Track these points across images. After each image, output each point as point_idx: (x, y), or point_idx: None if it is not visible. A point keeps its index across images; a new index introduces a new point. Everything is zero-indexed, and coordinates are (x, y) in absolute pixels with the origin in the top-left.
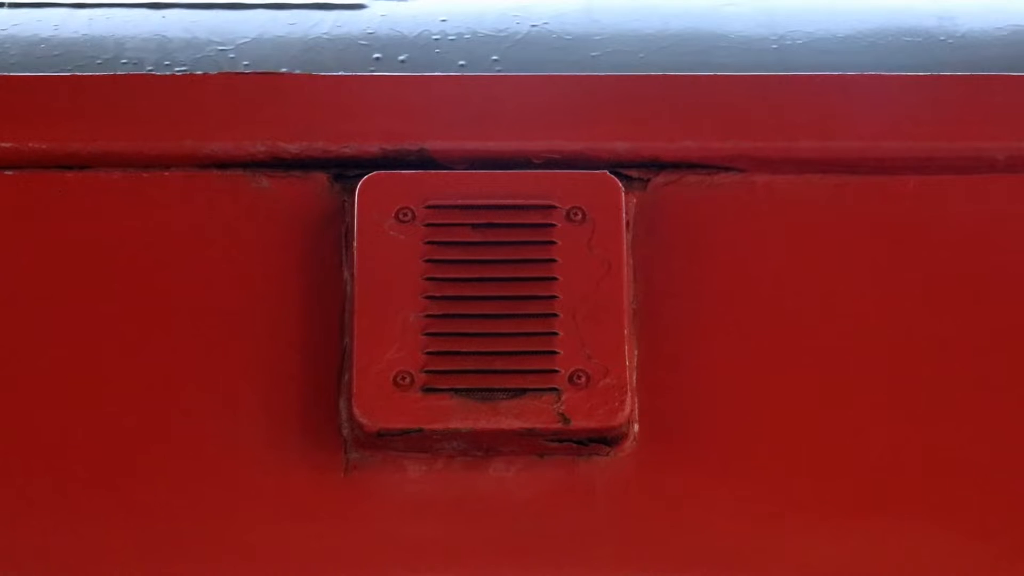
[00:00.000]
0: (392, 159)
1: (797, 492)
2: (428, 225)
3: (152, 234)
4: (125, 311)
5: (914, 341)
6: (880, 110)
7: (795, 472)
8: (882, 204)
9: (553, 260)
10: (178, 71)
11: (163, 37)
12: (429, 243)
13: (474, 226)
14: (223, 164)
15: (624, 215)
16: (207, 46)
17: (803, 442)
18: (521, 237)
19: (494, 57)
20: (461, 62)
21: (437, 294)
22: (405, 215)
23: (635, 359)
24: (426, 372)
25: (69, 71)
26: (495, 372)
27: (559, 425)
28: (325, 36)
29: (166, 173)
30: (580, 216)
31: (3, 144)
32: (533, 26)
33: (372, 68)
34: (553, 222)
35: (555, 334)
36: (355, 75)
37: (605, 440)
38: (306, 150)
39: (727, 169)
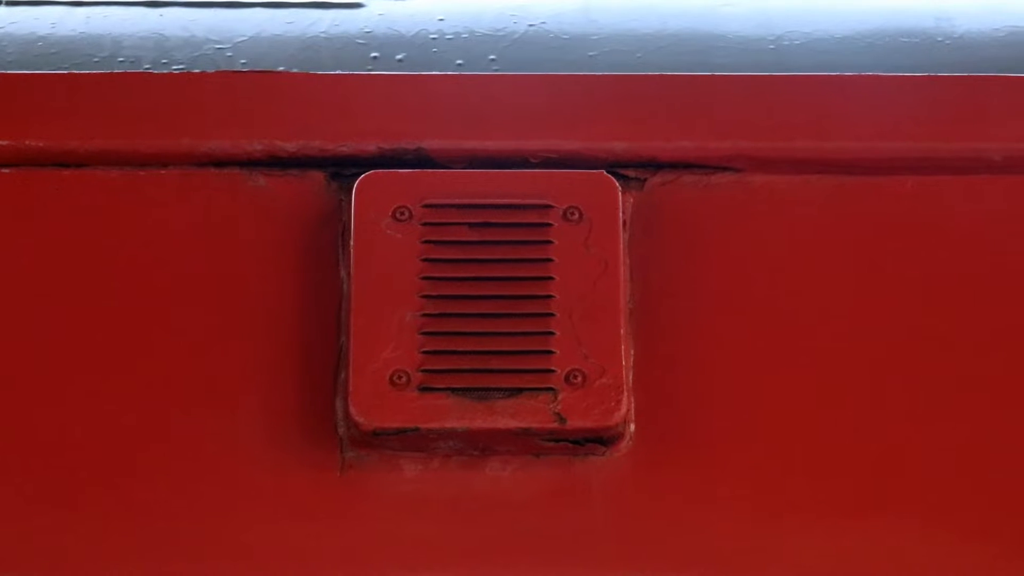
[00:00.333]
0: (389, 158)
1: (793, 492)
2: (425, 224)
3: (149, 232)
4: (122, 309)
5: (911, 341)
6: (877, 111)
7: (791, 472)
8: (879, 204)
9: (550, 259)
10: (175, 69)
11: (161, 35)
12: (426, 242)
13: (471, 225)
14: (220, 163)
15: (621, 215)
16: (205, 44)
17: (799, 442)
18: (518, 236)
19: (491, 56)
20: (459, 61)
21: (434, 293)
22: (402, 214)
23: (631, 359)
24: (422, 371)
25: (66, 69)
26: (491, 371)
27: (555, 425)
28: (323, 35)
29: (163, 171)
30: (577, 215)
31: (0, 142)
32: (531, 26)
33: (369, 67)
34: (550, 221)
35: (551, 333)
36: (352, 74)
37: (601, 440)
38: (303, 149)
39: (724, 169)
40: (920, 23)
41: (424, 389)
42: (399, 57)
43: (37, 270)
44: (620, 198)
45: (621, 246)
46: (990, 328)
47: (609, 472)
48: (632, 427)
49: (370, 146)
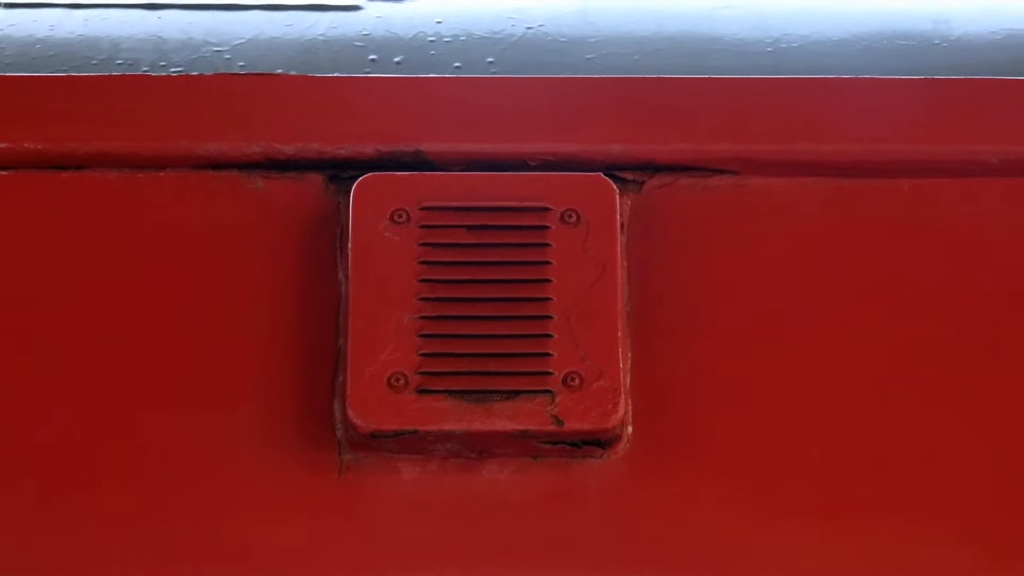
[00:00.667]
0: (387, 160)
1: (791, 494)
2: (423, 227)
3: (147, 235)
4: (120, 312)
5: (908, 344)
6: (875, 113)
7: (789, 474)
8: (876, 207)
9: (547, 262)
10: (174, 72)
11: (159, 38)
12: (424, 245)
13: (469, 228)
14: (219, 165)
15: (619, 217)
16: (203, 47)
17: (796, 444)
18: (516, 239)
19: (489, 59)
20: (456, 64)
21: (432, 296)
22: (400, 216)
23: (629, 361)
24: (420, 374)
25: (65, 72)
26: (489, 374)
27: (553, 427)
28: (321, 37)
29: (161, 174)
30: (575, 218)
31: None
32: (528, 28)
33: (367, 70)
34: (548, 224)
35: (549, 336)
36: (351, 76)
37: (599, 442)
38: (301, 151)
39: (721, 172)
40: (917, 26)
41: (422, 391)
42: (397, 59)
43: (36, 272)
44: (618, 200)
45: (619, 248)
46: (988, 330)
47: (607, 474)
48: (630, 429)
49: (368, 148)
